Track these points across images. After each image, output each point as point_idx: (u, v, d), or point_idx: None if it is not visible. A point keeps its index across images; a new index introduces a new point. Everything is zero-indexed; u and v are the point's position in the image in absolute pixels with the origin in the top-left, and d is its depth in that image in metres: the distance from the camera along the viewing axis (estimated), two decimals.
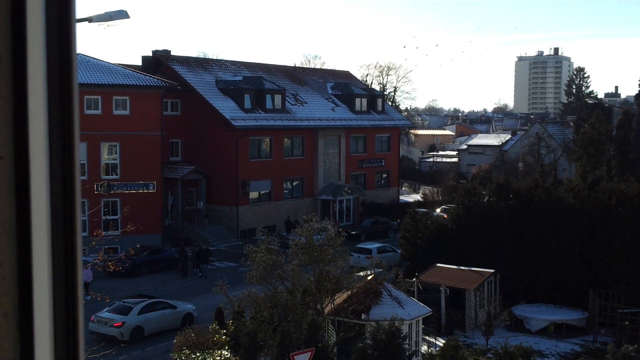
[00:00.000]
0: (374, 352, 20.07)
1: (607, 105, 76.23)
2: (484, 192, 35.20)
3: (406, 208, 40.93)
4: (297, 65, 75.61)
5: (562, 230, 30.74)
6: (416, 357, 22.72)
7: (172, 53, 51.98)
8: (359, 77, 76.02)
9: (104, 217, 40.20)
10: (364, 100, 59.67)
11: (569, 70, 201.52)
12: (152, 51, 51.35)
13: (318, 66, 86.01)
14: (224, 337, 22.43)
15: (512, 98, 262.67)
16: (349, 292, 23.30)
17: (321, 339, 21.17)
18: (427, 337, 26.41)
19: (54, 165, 1.37)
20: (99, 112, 41.86)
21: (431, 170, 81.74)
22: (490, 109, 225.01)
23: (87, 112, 40.81)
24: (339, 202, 54.70)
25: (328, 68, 73.63)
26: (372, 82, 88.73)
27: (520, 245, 31.24)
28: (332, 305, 22.88)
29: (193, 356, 20.97)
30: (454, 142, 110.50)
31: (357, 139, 58.45)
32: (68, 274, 1.40)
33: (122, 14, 14.29)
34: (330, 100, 58.00)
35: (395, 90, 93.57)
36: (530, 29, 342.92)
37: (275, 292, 23.43)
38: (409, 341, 22.14)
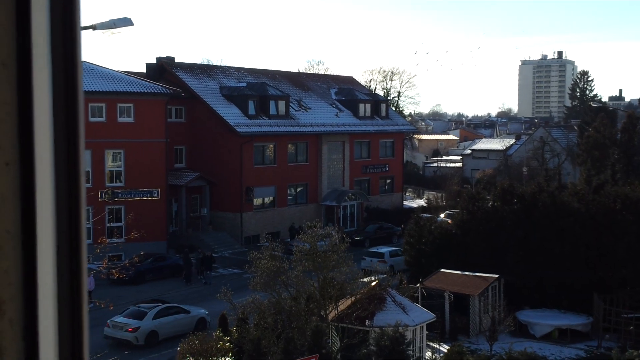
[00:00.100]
0: (378, 358, 20.04)
1: (611, 108, 76.21)
2: (488, 197, 35.17)
3: (410, 213, 41.04)
4: (300, 71, 75.72)
5: (566, 234, 30.67)
6: None
7: (176, 60, 52.03)
8: (362, 82, 76.01)
9: (108, 225, 40.20)
10: (368, 106, 59.67)
11: (573, 74, 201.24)
12: (156, 58, 51.39)
13: (322, 72, 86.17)
14: (227, 344, 22.41)
15: (516, 102, 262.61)
16: (353, 298, 23.27)
17: (325, 346, 21.15)
18: (431, 343, 26.32)
19: (59, 171, 1.36)
20: (103, 119, 41.95)
21: (435, 175, 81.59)
22: (494, 114, 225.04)
23: (91, 119, 40.88)
24: (343, 207, 54.67)
25: (332, 74, 73.75)
26: (375, 88, 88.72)
27: (524, 250, 31.17)
28: (336, 312, 22.85)
29: None
30: (457, 147, 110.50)
31: (361, 144, 58.44)
32: (73, 281, 1.39)
33: (125, 22, 14.34)
34: (334, 105, 58.00)
35: (399, 95, 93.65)
36: (534, 32, 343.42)
37: (279, 299, 23.41)
38: (412, 347, 22.11)
